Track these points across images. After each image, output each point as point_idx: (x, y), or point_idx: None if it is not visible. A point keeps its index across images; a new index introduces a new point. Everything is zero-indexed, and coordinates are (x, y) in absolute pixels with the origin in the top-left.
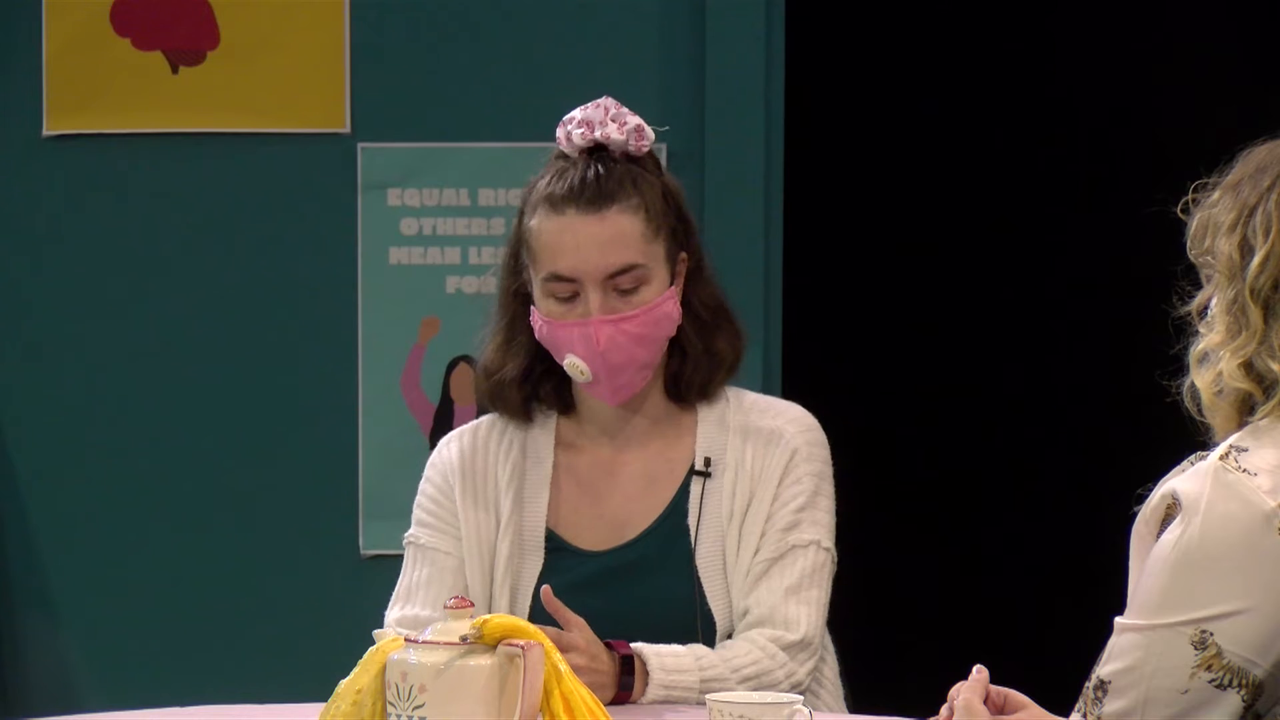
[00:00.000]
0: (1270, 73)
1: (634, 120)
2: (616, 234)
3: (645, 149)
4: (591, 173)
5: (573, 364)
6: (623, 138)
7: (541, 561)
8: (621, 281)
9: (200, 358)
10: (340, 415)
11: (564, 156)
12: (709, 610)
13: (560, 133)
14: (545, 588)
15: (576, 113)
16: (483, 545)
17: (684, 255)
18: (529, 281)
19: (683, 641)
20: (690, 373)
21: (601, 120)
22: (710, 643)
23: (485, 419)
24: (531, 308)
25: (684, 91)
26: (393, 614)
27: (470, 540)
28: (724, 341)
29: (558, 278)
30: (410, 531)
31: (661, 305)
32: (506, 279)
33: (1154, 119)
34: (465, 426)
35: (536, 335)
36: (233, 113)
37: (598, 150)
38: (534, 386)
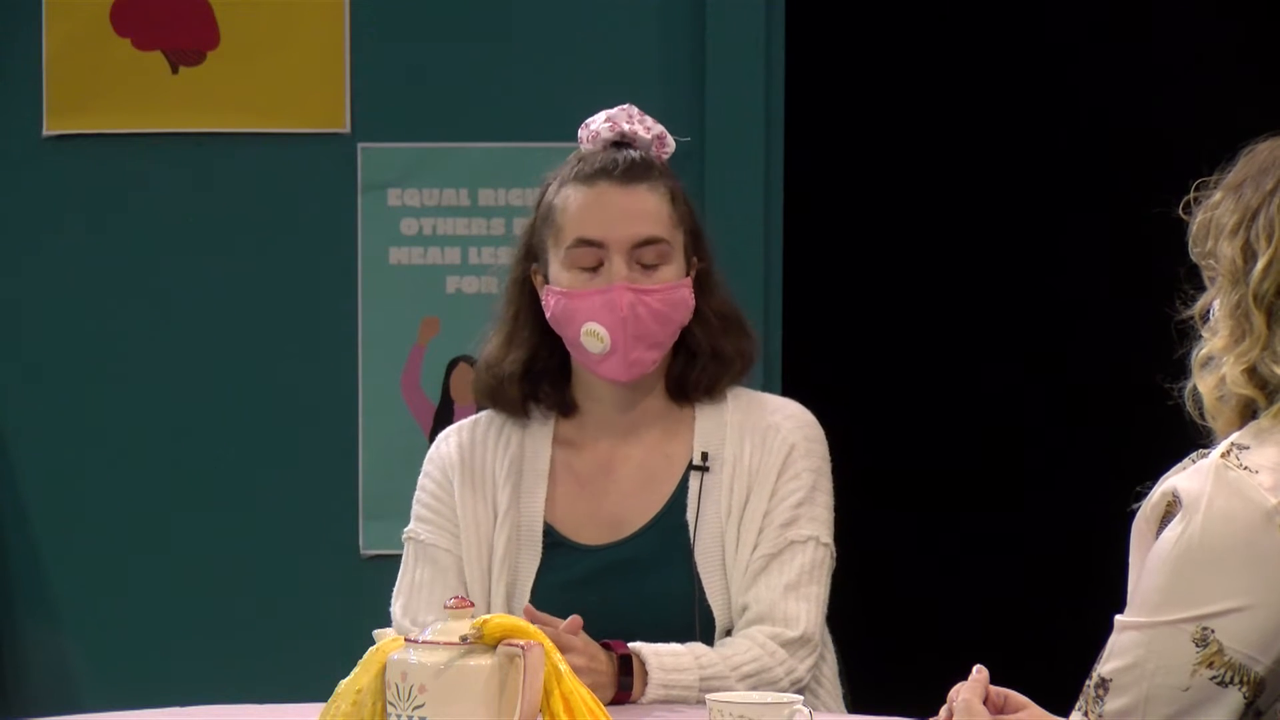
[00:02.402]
0: (1272, 70)
1: (658, 128)
2: (646, 207)
3: (666, 155)
4: (622, 155)
5: (591, 331)
6: (648, 138)
7: (539, 557)
8: (645, 255)
9: (200, 358)
10: (340, 415)
11: (589, 151)
12: (708, 606)
13: (583, 133)
14: (527, 606)
15: (600, 114)
16: (481, 538)
17: (696, 260)
18: (545, 265)
19: (681, 638)
20: (697, 374)
21: (626, 120)
22: (709, 639)
23: (484, 415)
24: (545, 289)
25: (684, 91)
26: (398, 607)
27: (469, 533)
28: (732, 346)
29: (585, 242)
30: (410, 527)
31: (680, 288)
32: (515, 268)
33: (1156, 119)
34: (464, 421)
35: (548, 313)
36: (233, 113)
37: (623, 143)
38: (533, 384)
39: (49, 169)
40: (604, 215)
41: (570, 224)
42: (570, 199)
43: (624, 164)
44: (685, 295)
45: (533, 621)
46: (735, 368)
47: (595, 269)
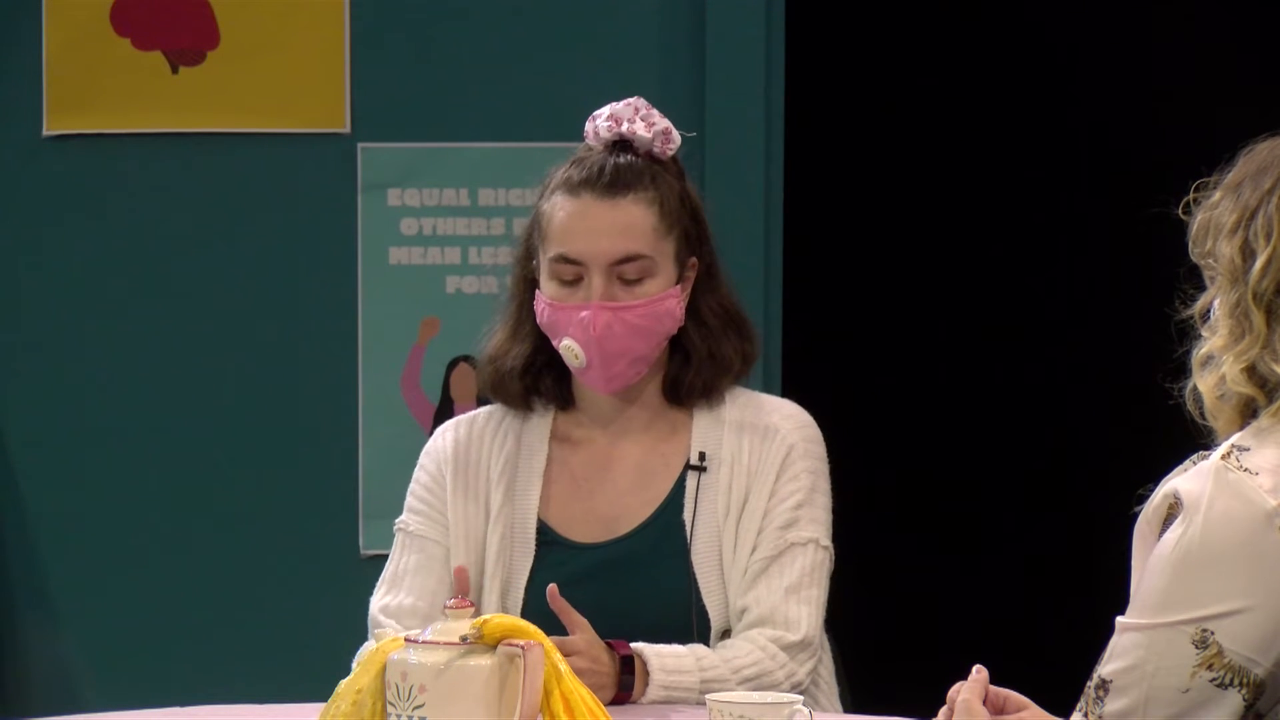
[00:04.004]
0: (1272, 70)
1: (663, 123)
2: (628, 223)
3: (670, 152)
4: (611, 162)
5: (568, 347)
6: (649, 136)
7: (533, 554)
8: (626, 270)
9: (200, 358)
10: (340, 415)
11: (587, 148)
12: (703, 606)
13: (589, 127)
14: (551, 586)
15: (606, 108)
16: (470, 537)
17: (694, 260)
18: (538, 266)
19: (676, 637)
20: (692, 377)
21: (630, 117)
22: (705, 638)
23: (483, 410)
24: (537, 292)
25: (684, 91)
26: (377, 598)
27: (458, 532)
28: (731, 347)
29: (565, 259)
30: (401, 518)
31: (663, 301)
32: (518, 265)
33: (1156, 119)
34: (463, 416)
35: (538, 319)
36: (233, 113)
37: (622, 144)
38: (535, 378)
39: (49, 169)
40: (584, 230)
41: (553, 237)
42: (556, 209)
43: (610, 174)
44: (670, 307)
45: (555, 606)
46: (734, 369)
47: (576, 283)
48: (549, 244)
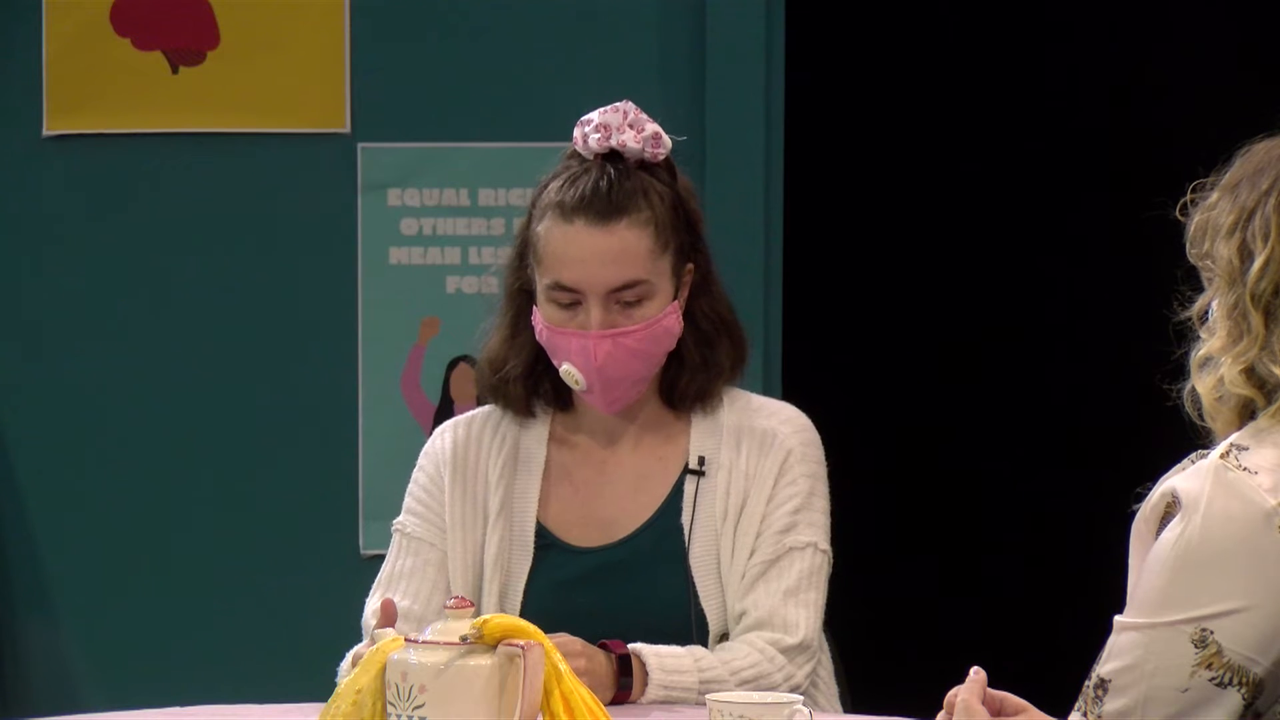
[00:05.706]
0: (1272, 70)
1: (652, 127)
2: (623, 249)
3: (661, 156)
4: (604, 182)
5: (568, 372)
6: (638, 146)
7: (531, 558)
8: (624, 296)
9: (200, 358)
10: (340, 415)
11: (578, 157)
12: (701, 610)
13: (577, 133)
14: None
15: (594, 115)
16: (468, 540)
17: (690, 267)
18: (533, 280)
19: (674, 640)
20: (686, 382)
21: (619, 126)
22: (703, 642)
23: (481, 411)
24: (534, 307)
25: (684, 91)
26: (373, 602)
27: (455, 535)
28: (724, 352)
29: (561, 287)
30: (399, 519)
31: (662, 321)
32: (511, 275)
33: (1156, 119)
34: (461, 417)
35: (537, 337)
36: (233, 113)
37: (612, 156)
38: (536, 381)
39: (49, 169)
40: (580, 260)
41: (548, 263)
42: (551, 235)
43: (602, 197)
44: (669, 325)
45: None
46: (726, 374)
47: (574, 305)
48: (544, 270)
